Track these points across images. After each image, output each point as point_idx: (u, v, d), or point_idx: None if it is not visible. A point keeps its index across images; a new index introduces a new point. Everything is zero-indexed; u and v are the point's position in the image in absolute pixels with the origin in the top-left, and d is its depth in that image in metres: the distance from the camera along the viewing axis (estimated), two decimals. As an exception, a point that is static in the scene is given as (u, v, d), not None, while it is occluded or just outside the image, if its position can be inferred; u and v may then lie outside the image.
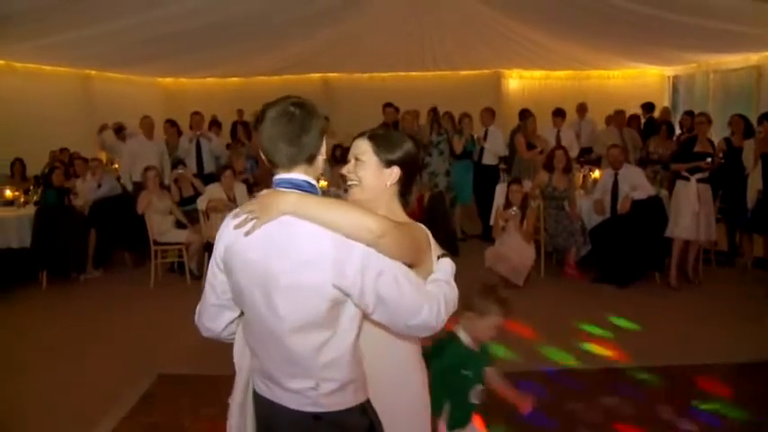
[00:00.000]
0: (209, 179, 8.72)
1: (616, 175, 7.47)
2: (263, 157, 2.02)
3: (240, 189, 7.87)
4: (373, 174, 2.15)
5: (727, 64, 12.36)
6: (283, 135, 1.93)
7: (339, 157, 9.37)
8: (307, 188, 1.96)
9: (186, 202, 8.17)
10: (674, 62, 14.22)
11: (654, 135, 9.54)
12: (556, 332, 5.75)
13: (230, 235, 1.98)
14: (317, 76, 15.97)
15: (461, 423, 2.93)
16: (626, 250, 7.12)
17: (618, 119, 10.68)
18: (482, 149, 9.61)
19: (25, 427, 4.40)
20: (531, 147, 9.13)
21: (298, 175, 1.97)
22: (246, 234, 1.92)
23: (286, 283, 1.87)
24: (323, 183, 7.82)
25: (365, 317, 1.98)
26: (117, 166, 10.43)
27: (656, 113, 12.21)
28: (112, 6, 7.63)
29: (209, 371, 4.92)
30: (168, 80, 16.28)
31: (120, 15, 8.08)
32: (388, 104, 10.09)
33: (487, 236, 8.59)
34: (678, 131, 10.74)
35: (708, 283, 7.26)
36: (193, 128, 9.73)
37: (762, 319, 6.04)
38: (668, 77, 15.30)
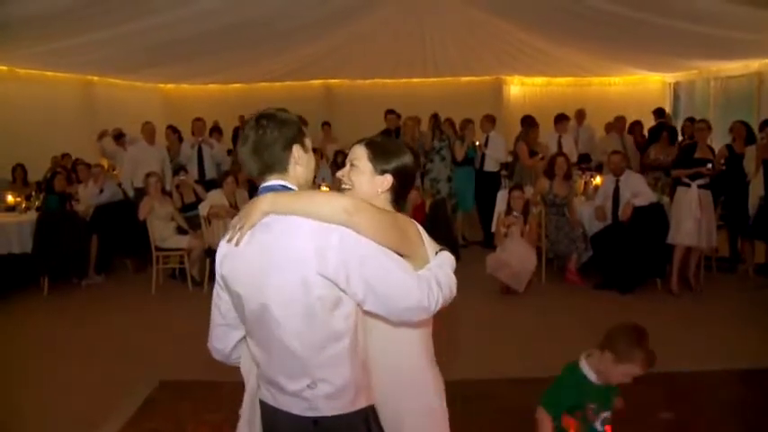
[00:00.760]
0: (210, 185, 8.73)
1: (617, 181, 7.47)
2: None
3: (242, 195, 7.89)
4: (366, 180, 2.17)
5: (727, 71, 12.37)
6: (250, 149, 2.05)
7: (340, 162, 9.37)
8: (280, 190, 2.04)
9: (188, 209, 8.17)
10: (675, 69, 14.24)
11: (655, 141, 9.54)
12: (556, 338, 5.75)
13: (224, 249, 2.07)
14: (318, 82, 16.01)
15: None
16: (627, 257, 7.12)
17: (618, 125, 10.71)
18: (483, 156, 9.62)
19: (26, 433, 4.40)
20: (533, 154, 9.15)
21: (274, 181, 2.06)
22: (237, 244, 1.99)
23: (276, 282, 1.91)
24: (324, 188, 7.83)
25: (365, 314, 1.99)
26: (117, 172, 10.45)
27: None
28: (115, 13, 7.64)
29: (210, 377, 4.91)
30: (170, 86, 16.31)
31: (123, 22, 8.10)
32: (389, 111, 10.12)
33: (489, 242, 8.60)
34: (680, 138, 10.75)
35: (709, 290, 7.25)
36: (195, 134, 9.74)
37: (763, 325, 6.04)
38: (669, 84, 15.32)
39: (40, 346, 6.00)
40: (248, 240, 1.98)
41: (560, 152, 8.54)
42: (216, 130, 11.57)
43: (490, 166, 9.66)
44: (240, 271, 2.00)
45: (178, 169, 8.99)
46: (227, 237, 2.04)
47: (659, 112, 11.49)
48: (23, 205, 8.32)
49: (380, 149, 2.19)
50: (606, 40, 11.11)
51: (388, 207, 2.20)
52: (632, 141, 10.67)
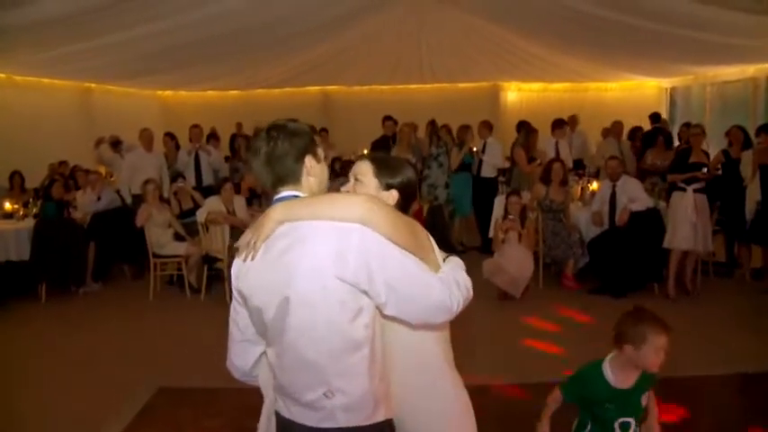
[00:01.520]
0: (207, 192, 8.73)
1: (614, 186, 7.50)
2: None
3: (239, 202, 7.89)
4: (372, 194, 2.15)
5: (723, 76, 12.43)
6: (262, 161, 2.04)
7: (339, 170, 9.36)
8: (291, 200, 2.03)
9: (186, 215, 8.17)
10: (672, 74, 14.29)
11: (650, 146, 9.58)
12: (554, 343, 5.76)
13: (240, 265, 2.05)
14: (316, 88, 16.05)
15: None
16: (624, 262, 7.13)
17: (615, 130, 10.74)
18: (480, 162, 9.63)
19: (24, 441, 4.40)
20: (532, 160, 9.17)
21: (287, 192, 2.05)
22: (252, 259, 1.97)
23: (296, 289, 1.88)
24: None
25: (384, 318, 1.97)
26: (114, 179, 10.44)
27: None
28: (112, 20, 7.65)
29: (209, 383, 4.93)
30: (167, 93, 16.33)
31: (120, 29, 8.11)
32: (387, 117, 10.13)
33: (487, 248, 8.60)
34: (677, 143, 10.79)
35: (706, 295, 7.26)
36: (192, 141, 9.74)
37: (760, 330, 6.06)
38: (666, 89, 15.37)
39: (37, 353, 5.99)
40: (263, 252, 1.96)
41: (557, 158, 8.55)
42: (213, 137, 11.60)
43: (487, 171, 9.67)
44: (257, 283, 1.98)
45: (176, 176, 8.99)
46: (242, 256, 2.01)
47: (654, 117, 11.54)
48: (21, 212, 8.31)
49: (385, 165, 2.21)
50: (603, 45, 11.15)
51: None
52: (629, 146, 10.72)
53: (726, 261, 8.14)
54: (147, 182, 7.95)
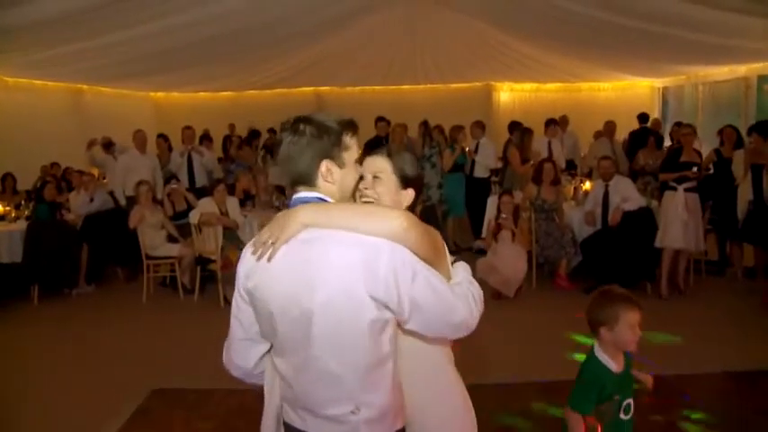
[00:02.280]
0: (200, 193, 8.72)
1: (607, 186, 7.52)
2: None
3: (232, 203, 7.87)
4: (392, 193, 2.14)
5: (715, 76, 12.47)
6: (281, 157, 1.94)
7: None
8: (317, 203, 1.91)
9: (179, 217, 8.15)
10: (664, 74, 14.33)
11: (642, 147, 9.61)
12: (547, 342, 5.77)
13: (251, 264, 1.90)
14: (309, 89, 16.03)
15: None
16: (617, 261, 7.15)
17: (608, 130, 10.78)
18: (473, 162, 9.65)
19: (17, 444, 4.39)
20: (525, 161, 9.18)
21: (307, 193, 1.93)
22: (269, 259, 1.85)
23: (322, 301, 1.79)
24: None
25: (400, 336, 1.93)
26: (107, 180, 10.42)
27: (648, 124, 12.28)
28: (104, 22, 7.63)
29: (202, 384, 4.93)
30: (160, 94, 16.30)
31: (113, 31, 8.10)
32: (380, 118, 10.14)
33: (480, 248, 8.61)
34: (669, 143, 10.83)
35: (698, 293, 7.29)
36: (185, 142, 9.73)
37: (752, 328, 6.08)
38: (658, 89, 15.42)
39: (30, 356, 5.97)
40: (283, 255, 1.83)
41: (548, 158, 8.57)
42: (206, 139, 11.56)
43: (480, 172, 9.69)
44: (273, 289, 1.86)
45: (169, 178, 8.98)
46: (256, 252, 1.88)
47: (642, 117, 11.60)
48: (13, 214, 8.28)
49: (402, 161, 2.17)
50: (595, 46, 11.18)
51: None
52: (621, 146, 10.76)
53: (718, 260, 8.17)
54: (139, 183, 7.94)
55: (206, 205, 7.70)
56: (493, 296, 7.16)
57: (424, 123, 9.72)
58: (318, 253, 1.80)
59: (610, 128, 10.85)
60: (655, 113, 14.47)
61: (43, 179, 8.91)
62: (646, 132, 10.59)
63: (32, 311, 7.41)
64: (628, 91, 15.95)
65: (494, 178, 10.26)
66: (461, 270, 2.09)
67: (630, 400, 2.81)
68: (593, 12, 8.56)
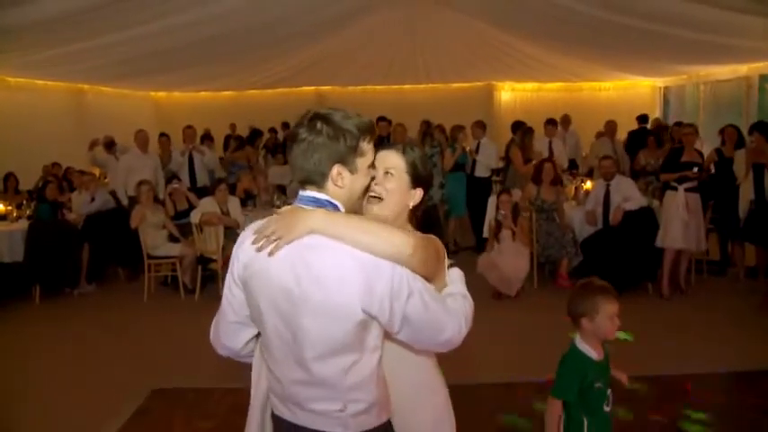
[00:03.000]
0: (202, 193, 8.73)
1: (608, 186, 7.51)
2: None
3: (234, 203, 7.88)
4: (402, 192, 2.12)
5: (716, 75, 12.46)
6: (293, 154, 1.89)
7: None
8: (327, 207, 1.89)
9: (180, 216, 8.15)
10: (665, 73, 14.32)
11: (643, 146, 9.60)
12: (548, 342, 5.76)
13: (250, 253, 1.89)
14: (310, 88, 16.03)
15: None
16: (618, 261, 7.13)
17: (609, 129, 10.77)
18: (474, 162, 9.64)
19: (18, 443, 4.39)
20: (528, 161, 9.17)
21: (316, 193, 1.89)
22: (270, 254, 1.83)
23: (312, 308, 1.81)
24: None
25: (386, 335, 1.94)
26: (108, 180, 10.42)
27: (649, 124, 12.27)
28: (105, 21, 7.64)
29: (203, 384, 4.93)
30: (161, 94, 16.32)
31: (113, 30, 8.10)
32: (381, 118, 10.13)
33: (481, 248, 8.60)
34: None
35: (700, 293, 7.29)
36: (186, 142, 9.73)
37: (753, 328, 6.07)
38: (659, 88, 15.41)
39: (31, 355, 5.97)
40: (284, 254, 1.82)
41: (548, 158, 8.57)
42: (207, 138, 11.57)
43: (481, 171, 9.67)
44: (268, 285, 1.86)
45: (171, 177, 8.98)
46: (257, 243, 1.86)
47: (642, 118, 11.61)
48: (14, 214, 8.27)
49: (416, 160, 2.15)
50: (597, 45, 11.18)
51: (407, 223, 2.18)
52: (622, 146, 10.75)
53: (719, 260, 8.16)
54: (140, 183, 7.93)
55: (207, 205, 7.71)
56: (493, 296, 7.17)
57: (426, 123, 9.70)
58: (320, 260, 1.79)
59: (611, 127, 10.84)
60: (656, 113, 14.47)
61: (45, 179, 8.91)
62: (644, 133, 10.60)
63: (34, 311, 7.41)
64: (629, 90, 15.94)
65: (495, 178, 10.25)
66: (457, 280, 2.11)
67: (609, 391, 2.90)
68: (595, 11, 8.55)
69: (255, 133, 12.81)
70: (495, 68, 14.34)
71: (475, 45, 12.60)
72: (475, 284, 7.21)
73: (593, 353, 2.89)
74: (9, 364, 5.75)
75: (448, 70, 14.55)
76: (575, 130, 12.01)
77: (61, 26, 7.47)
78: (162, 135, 10.34)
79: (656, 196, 8.09)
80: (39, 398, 4.98)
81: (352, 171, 1.88)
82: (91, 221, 8.27)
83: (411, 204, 2.15)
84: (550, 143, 9.79)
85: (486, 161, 9.68)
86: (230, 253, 2.03)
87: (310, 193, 1.90)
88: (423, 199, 2.20)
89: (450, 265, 2.14)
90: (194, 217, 7.63)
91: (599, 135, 11.41)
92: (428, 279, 1.91)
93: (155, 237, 7.70)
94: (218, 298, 2.13)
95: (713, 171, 8.00)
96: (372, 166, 1.99)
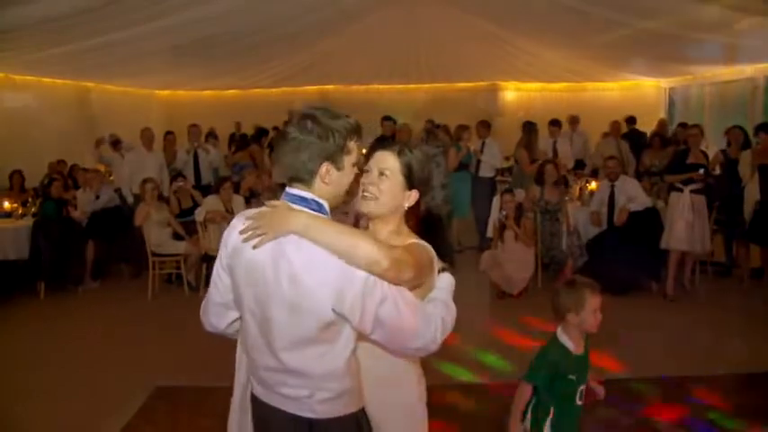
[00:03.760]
0: (206, 191, 8.74)
1: (613, 186, 7.50)
2: None
3: (238, 201, 7.89)
4: (395, 193, 2.15)
5: (721, 76, 12.42)
6: (283, 150, 1.98)
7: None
8: (314, 207, 1.97)
9: (185, 214, 8.17)
10: (670, 74, 14.28)
11: (647, 147, 9.59)
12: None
13: (238, 242, 2.00)
14: (314, 88, 15.98)
15: (569, 430, 2.99)
16: (623, 261, 7.12)
17: (614, 129, 10.77)
18: (479, 162, 9.63)
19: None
20: (534, 160, 9.16)
21: (302, 192, 1.99)
22: (253, 248, 1.93)
23: (281, 302, 1.91)
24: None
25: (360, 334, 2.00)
26: (113, 178, 10.44)
27: (652, 125, 12.24)
28: (110, 20, 7.65)
29: (206, 382, 4.93)
30: (166, 92, 16.31)
31: (119, 29, 8.11)
32: (386, 117, 10.10)
33: (484, 247, 8.59)
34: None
35: (705, 294, 7.29)
36: (191, 139, 9.74)
37: (759, 329, 6.06)
38: (664, 89, 15.35)
39: (35, 352, 5.99)
40: (269, 247, 1.92)
41: (551, 159, 8.56)
42: (212, 136, 11.57)
43: (486, 171, 9.67)
44: (249, 274, 1.98)
45: (176, 175, 8.99)
46: (244, 233, 1.96)
47: (630, 120, 11.66)
48: (20, 211, 8.31)
49: (412, 162, 2.16)
50: (601, 45, 11.13)
51: (403, 224, 2.21)
52: (628, 147, 10.73)
53: (724, 261, 8.14)
54: (145, 181, 7.95)
55: (212, 203, 7.73)
56: (497, 295, 7.17)
57: (430, 122, 9.69)
58: (301, 259, 1.89)
59: (615, 128, 10.83)
60: (661, 113, 14.43)
61: (50, 176, 8.92)
62: (636, 134, 10.67)
63: (38, 307, 7.43)
64: (634, 91, 15.87)
65: (500, 178, 10.24)
66: (445, 287, 2.15)
67: (584, 387, 3.00)
68: (600, 11, 8.53)
69: (261, 132, 12.80)
70: (500, 68, 14.29)
71: (479, 44, 12.56)
72: (478, 285, 7.23)
73: (570, 344, 3.01)
74: (13, 361, 5.77)
75: (452, 70, 14.52)
76: (583, 130, 12.00)
77: (66, 24, 7.48)
78: (167, 133, 10.35)
79: (660, 197, 8.08)
80: (42, 393, 4.99)
81: (339, 168, 1.98)
82: (95, 219, 8.30)
83: (406, 205, 2.18)
84: (554, 144, 9.78)
85: (491, 161, 9.68)
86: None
87: (297, 191, 1.99)
88: (420, 200, 2.22)
89: (442, 270, 2.16)
90: (199, 215, 7.65)
91: (604, 135, 11.40)
92: (410, 287, 1.98)
93: (159, 234, 7.71)
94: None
95: (719, 172, 7.98)
96: (360, 163, 2.08)
